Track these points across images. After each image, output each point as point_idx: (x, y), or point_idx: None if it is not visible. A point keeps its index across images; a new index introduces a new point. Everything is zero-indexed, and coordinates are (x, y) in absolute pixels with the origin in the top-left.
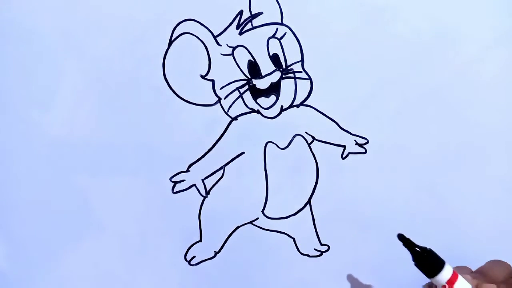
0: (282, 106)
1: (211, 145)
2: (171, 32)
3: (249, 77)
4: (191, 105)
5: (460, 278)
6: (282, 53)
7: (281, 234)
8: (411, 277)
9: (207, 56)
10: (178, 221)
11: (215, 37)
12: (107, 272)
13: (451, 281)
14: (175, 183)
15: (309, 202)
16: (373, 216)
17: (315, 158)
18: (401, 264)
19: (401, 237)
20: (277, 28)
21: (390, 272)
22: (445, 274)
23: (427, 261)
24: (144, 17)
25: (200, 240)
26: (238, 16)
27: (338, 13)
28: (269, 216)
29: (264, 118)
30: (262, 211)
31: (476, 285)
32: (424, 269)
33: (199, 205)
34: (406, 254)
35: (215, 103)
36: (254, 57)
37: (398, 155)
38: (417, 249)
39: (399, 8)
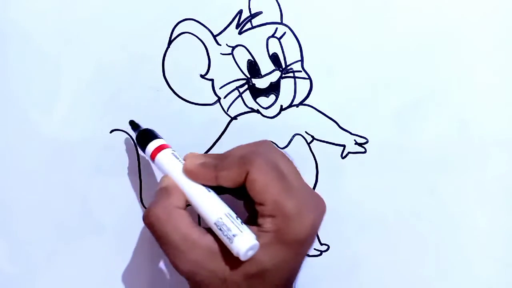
0: (281, 106)
1: (211, 145)
2: (170, 32)
3: (249, 76)
4: (191, 104)
5: (164, 150)
6: (281, 53)
7: None
8: (411, 277)
9: (206, 55)
10: None
11: (214, 36)
12: (107, 272)
13: (154, 153)
14: None
15: None
16: (373, 216)
17: (314, 158)
18: (401, 264)
19: (131, 122)
20: (276, 28)
21: (390, 272)
22: (150, 147)
23: (141, 137)
24: (143, 17)
25: None
26: (238, 16)
27: (338, 13)
28: None
29: (263, 117)
30: None
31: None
32: (139, 145)
33: None
34: (406, 255)
35: (215, 103)
36: (254, 56)
37: (398, 154)
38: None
39: (399, 8)
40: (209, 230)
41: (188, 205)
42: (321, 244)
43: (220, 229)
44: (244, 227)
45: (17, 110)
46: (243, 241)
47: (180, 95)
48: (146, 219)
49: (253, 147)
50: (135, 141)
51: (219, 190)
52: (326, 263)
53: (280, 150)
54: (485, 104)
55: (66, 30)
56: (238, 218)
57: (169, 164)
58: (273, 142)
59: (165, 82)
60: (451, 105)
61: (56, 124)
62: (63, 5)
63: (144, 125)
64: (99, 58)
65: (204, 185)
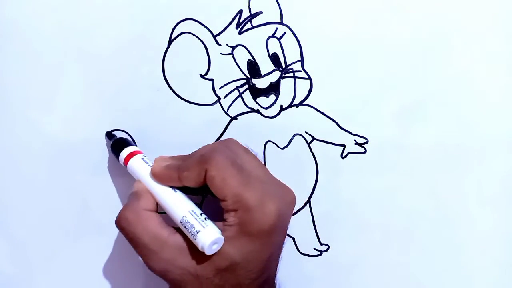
0: (281, 106)
1: None
2: (170, 32)
3: (249, 76)
4: (191, 104)
5: (135, 157)
6: (281, 53)
7: None
8: (411, 277)
9: (206, 55)
10: None
11: (214, 36)
12: (107, 272)
13: (126, 160)
14: None
15: (308, 201)
16: (373, 216)
17: (314, 158)
18: (401, 264)
19: (107, 133)
20: (276, 28)
21: (390, 272)
22: (123, 154)
23: (115, 146)
24: (143, 17)
25: None
26: (238, 16)
27: (338, 13)
28: None
29: (263, 117)
30: None
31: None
32: (114, 153)
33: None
34: (406, 255)
35: (215, 103)
36: (254, 56)
37: (398, 154)
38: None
39: (399, 8)
40: (179, 230)
41: (163, 213)
42: (321, 244)
43: (185, 227)
44: (208, 223)
45: (17, 110)
46: (206, 235)
47: (180, 95)
48: (117, 223)
49: (214, 145)
50: (110, 149)
51: (199, 192)
52: (326, 263)
53: (243, 146)
54: (485, 104)
55: (66, 30)
56: (203, 215)
57: (139, 169)
58: (273, 142)
59: (165, 82)
60: (451, 105)
61: (56, 124)
62: (63, 5)
63: (144, 125)
64: (99, 58)
65: (171, 187)
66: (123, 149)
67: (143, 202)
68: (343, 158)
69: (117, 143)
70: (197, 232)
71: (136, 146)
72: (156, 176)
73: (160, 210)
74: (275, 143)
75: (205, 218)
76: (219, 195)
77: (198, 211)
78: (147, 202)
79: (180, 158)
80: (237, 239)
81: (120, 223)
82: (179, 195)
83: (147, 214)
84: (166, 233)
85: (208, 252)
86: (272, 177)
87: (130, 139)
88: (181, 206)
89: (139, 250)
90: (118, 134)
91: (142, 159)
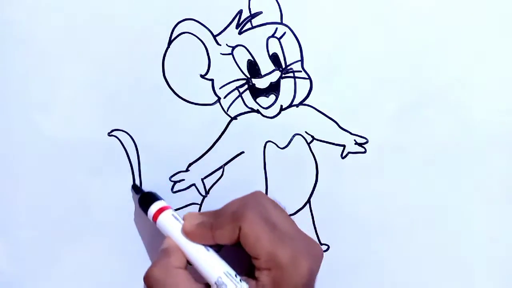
0: (281, 106)
1: (211, 145)
2: (170, 32)
3: (249, 76)
4: (191, 104)
5: (165, 212)
6: (281, 53)
7: None
8: (411, 277)
9: (206, 55)
10: None
11: (214, 36)
12: (106, 272)
13: (155, 215)
14: (175, 182)
15: (308, 201)
16: (373, 216)
17: (314, 158)
18: (401, 264)
19: (133, 186)
20: (276, 28)
21: (390, 272)
22: (152, 209)
23: (143, 200)
24: (143, 17)
25: None
26: (238, 16)
27: (338, 13)
28: None
29: (263, 117)
30: None
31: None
32: (141, 207)
33: (199, 205)
34: (406, 254)
35: (215, 103)
36: (254, 56)
37: (398, 154)
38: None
39: (399, 8)
40: (208, 286)
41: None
42: (321, 244)
43: None
44: (244, 285)
45: (16, 110)
46: None
47: (180, 95)
48: (145, 279)
49: (244, 200)
50: (138, 203)
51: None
52: (326, 263)
53: (271, 199)
54: (485, 104)
55: (66, 30)
56: (237, 276)
57: (170, 226)
58: (273, 142)
59: (165, 82)
60: (451, 105)
61: (56, 124)
62: (63, 5)
63: (144, 125)
64: (99, 58)
65: (203, 244)
66: (151, 203)
67: (174, 259)
68: (343, 158)
69: (145, 198)
70: None
71: (163, 199)
72: (189, 234)
73: (188, 267)
74: (275, 143)
75: (240, 280)
76: (252, 253)
77: (232, 272)
78: (178, 259)
79: (211, 215)
80: None
81: (148, 279)
82: (212, 254)
83: (177, 271)
84: None
85: None
86: (300, 232)
87: (157, 193)
88: (215, 266)
89: None
90: (118, 135)
91: (172, 215)
